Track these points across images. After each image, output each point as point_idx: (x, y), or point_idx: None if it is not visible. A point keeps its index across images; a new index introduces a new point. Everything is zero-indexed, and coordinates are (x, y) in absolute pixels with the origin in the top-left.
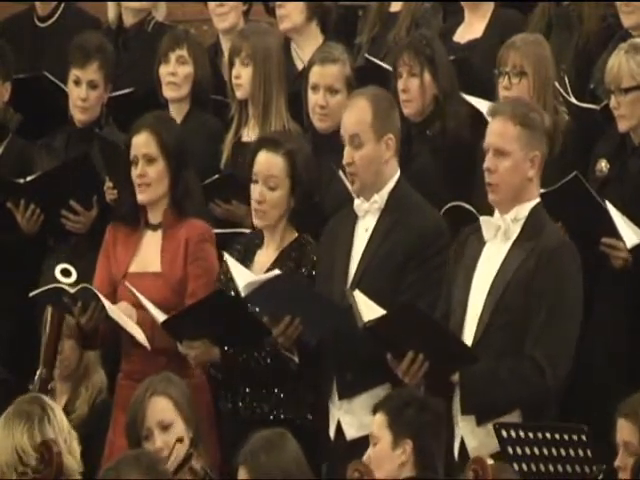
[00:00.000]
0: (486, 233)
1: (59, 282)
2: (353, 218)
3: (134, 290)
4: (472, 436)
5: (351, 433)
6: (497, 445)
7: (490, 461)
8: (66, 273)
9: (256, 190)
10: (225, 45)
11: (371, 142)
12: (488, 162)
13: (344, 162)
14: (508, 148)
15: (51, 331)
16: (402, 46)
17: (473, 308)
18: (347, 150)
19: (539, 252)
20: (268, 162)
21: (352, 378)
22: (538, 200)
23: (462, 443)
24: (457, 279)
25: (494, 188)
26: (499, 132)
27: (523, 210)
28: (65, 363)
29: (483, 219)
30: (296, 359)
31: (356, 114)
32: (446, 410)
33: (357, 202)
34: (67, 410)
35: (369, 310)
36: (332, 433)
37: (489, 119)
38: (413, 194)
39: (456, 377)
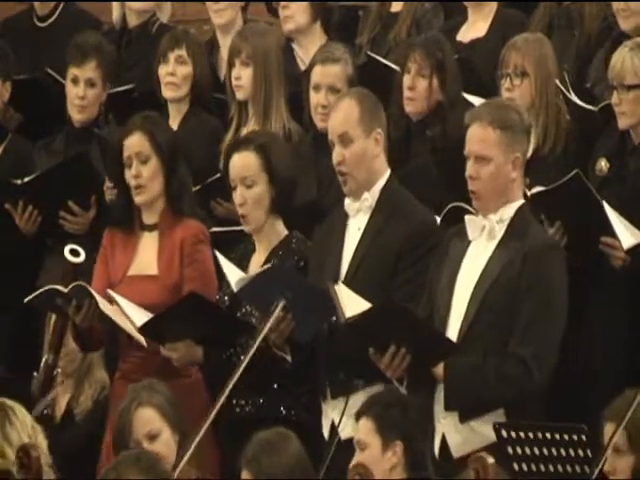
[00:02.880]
0: (471, 233)
1: (69, 262)
2: (345, 217)
3: (113, 295)
4: (455, 433)
5: (346, 433)
6: (480, 442)
7: (491, 460)
8: (75, 253)
9: (237, 195)
10: (222, 41)
11: (360, 138)
12: (470, 169)
13: (334, 162)
14: (489, 154)
15: (57, 317)
16: (415, 43)
17: (457, 307)
18: (337, 150)
19: (524, 252)
20: (241, 162)
21: (345, 377)
22: (523, 201)
23: (443, 440)
24: (441, 279)
25: (478, 195)
26: (479, 138)
27: (508, 211)
28: (69, 357)
29: (468, 218)
30: (289, 358)
31: (343, 113)
32: (426, 406)
33: (347, 201)
34: (70, 406)
35: (353, 304)
36: (326, 433)
37: (468, 125)
38: (404, 192)
39: (440, 371)
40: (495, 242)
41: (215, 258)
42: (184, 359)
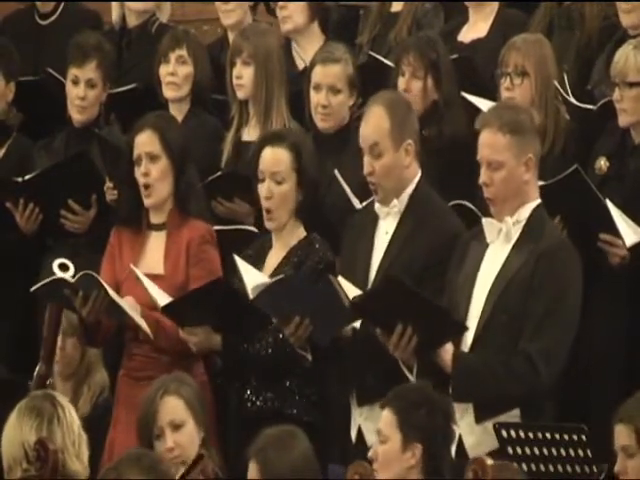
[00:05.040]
0: (488, 235)
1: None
2: (375, 218)
3: (137, 271)
4: (470, 434)
5: (372, 439)
6: (495, 443)
7: (490, 461)
8: (64, 267)
9: (263, 187)
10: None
11: (390, 151)
12: (483, 176)
13: (365, 172)
14: (501, 159)
15: (49, 326)
16: (408, 45)
17: (475, 308)
18: (367, 160)
19: (539, 253)
20: (274, 157)
21: (373, 382)
22: (538, 201)
23: (459, 441)
24: (460, 281)
25: (493, 202)
26: (490, 144)
27: (524, 212)
28: (66, 361)
29: (485, 221)
30: (309, 357)
31: (373, 123)
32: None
33: (377, 205)
34: None
35: (352, 293)
36: (354, 436)
37: (479, 131)
38: (433, 196)
39: (448, 362)
40: (511, 244)
41: (229, 261)
42: (202, 345)
